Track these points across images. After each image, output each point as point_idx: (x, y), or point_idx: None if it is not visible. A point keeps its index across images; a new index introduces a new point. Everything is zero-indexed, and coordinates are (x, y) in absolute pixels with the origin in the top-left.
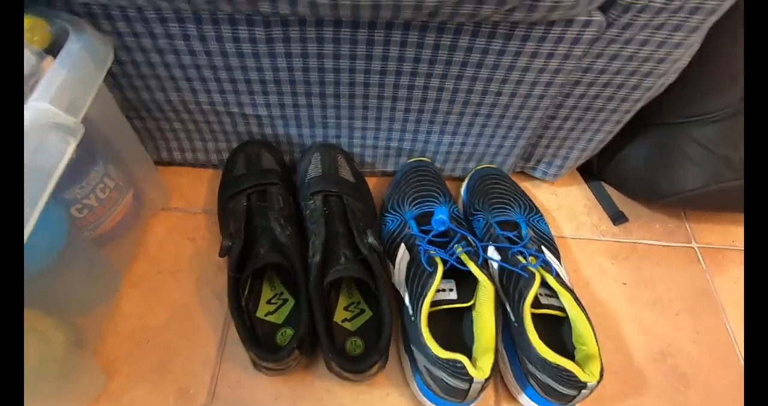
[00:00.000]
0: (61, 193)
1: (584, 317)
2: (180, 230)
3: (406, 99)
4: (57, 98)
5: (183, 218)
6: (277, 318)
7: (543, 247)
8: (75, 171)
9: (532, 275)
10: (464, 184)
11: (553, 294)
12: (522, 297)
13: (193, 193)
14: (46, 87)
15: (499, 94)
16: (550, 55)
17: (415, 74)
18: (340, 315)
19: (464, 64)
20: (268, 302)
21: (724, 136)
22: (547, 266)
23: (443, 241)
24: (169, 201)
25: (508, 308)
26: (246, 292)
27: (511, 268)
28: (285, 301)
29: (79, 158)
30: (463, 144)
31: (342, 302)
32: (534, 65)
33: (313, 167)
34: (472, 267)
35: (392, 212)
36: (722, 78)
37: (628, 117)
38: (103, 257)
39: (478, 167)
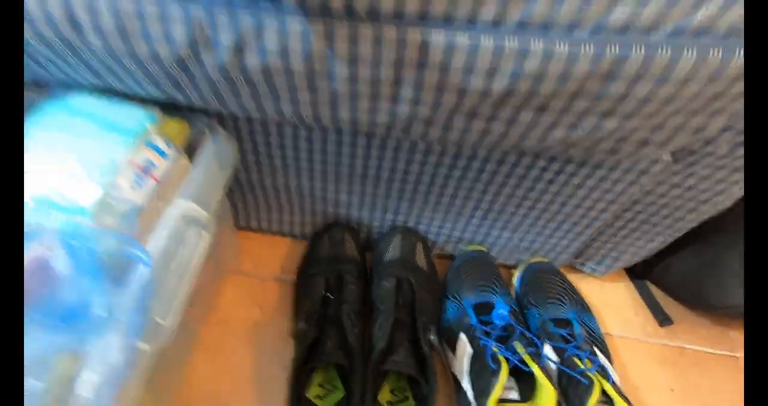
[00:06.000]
0: None
1: None
2: (250, 296)
3: (476, 200)
4: (197, 196)
5: (253, 284)
6: (323, 405)
7: (595, 348)
8: None
9: (592, 382)
10: (517, 275)
11: (609, 401)
12: (582, 403)
13: (263, 259)
14: (189, 186)
15: (564, 204)
16: (617, 181)
17: (490, 183)
18: (384, 396)
19: (534, 183)
20: (320, 385)
21: None
22: (604, 372)
23: (501, 335)
24: (240, 264)
25: None
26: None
27: (570, 372)
28: (335, 388)
29: None
30: (521, 240)
31: (390, 383)
32: (601, 187)
33: (393, 249)
34: (536, 371)
35: (452, 298)
36: None
37: (685, 230)
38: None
39: (531, 261)
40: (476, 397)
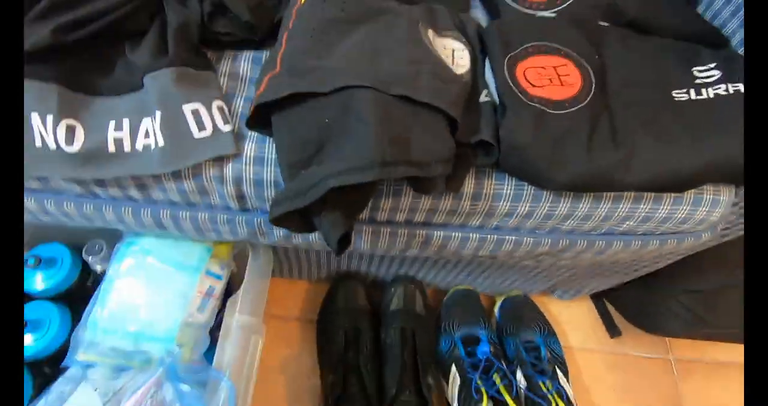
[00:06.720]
0: None
1: None
2: (279, 337)
3: (465, 263)
4: (250, 309)
5: (279, 326)
6: None
7: (557, 367)
8: None
9: (549, 403)
10: (498, 306)
11: None
12: None
13: (286, 301)
14: (243, 300)
15: (535, 267)
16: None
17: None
18: None
19: None
20: None
21: (706, 304)
22: (560, 393)
23: (485, 365)
24: (269, 309)
25: None
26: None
27: (533, 397)
28: None
29: None
30: (501, 283)
31: None
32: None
33: (396, 300)
34: (509, 400)
35: (445, 332)
36: (707, 263)
37: (632, 277)
38: None
39: (510, 294)
40: None
